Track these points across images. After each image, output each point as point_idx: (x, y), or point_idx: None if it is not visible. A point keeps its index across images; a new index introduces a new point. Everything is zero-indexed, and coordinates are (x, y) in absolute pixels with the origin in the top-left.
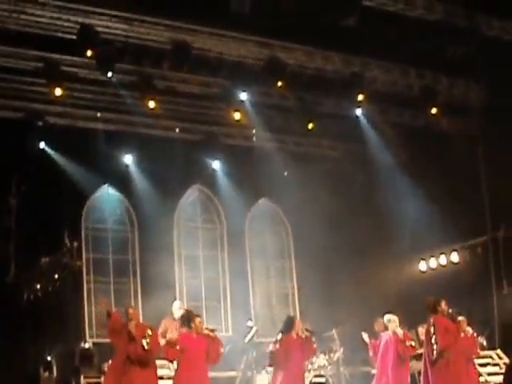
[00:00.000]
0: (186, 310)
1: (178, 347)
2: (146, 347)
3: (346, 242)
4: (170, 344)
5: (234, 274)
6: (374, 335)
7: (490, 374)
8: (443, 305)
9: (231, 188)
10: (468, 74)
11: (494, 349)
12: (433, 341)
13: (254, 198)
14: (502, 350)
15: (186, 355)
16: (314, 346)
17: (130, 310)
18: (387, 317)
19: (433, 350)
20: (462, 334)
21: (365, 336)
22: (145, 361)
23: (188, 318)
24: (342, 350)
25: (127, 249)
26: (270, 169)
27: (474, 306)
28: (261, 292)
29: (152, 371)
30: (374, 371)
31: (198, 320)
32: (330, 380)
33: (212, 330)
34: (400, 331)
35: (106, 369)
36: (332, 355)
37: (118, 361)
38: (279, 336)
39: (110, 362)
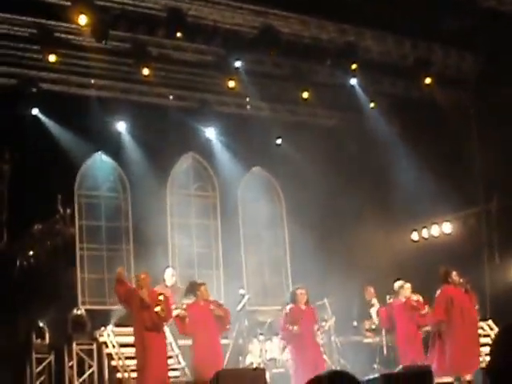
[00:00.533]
0: (189, 282)
1: (187, 320)
2: (161, 314)
3: (339, 212)
4: (181, 319)
5: (226, 243)
6: (365, 304)
7: (482, 345)
8: (454, 275)
9: (224, 156)
10: (463, 45)
11: (485, 320)
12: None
13: (247, 167)
14: (493, 320)
15: (198, 325)
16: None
17: (142, 276)
18: (398, 283)
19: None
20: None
21: (373, 311)
22: (160, 327)
23: (193, 288)
24: (333, 319)
25: (120, 216)
26: (263, 137)
27: (466, 277)
28: (253, 260)
29: (163, 335)
30: (366, 340)
31: (203, 287)
32: (322, 349)
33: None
34: (415, 297)
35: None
36: (324, 324)
37: (137, 327)
38: (287, 308)
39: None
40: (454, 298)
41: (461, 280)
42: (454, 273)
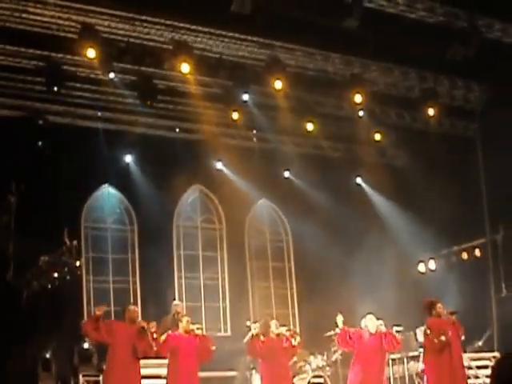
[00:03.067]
0: (174, 313)
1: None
2: (154, 347)
3: (344, 243)
4: (160, 341)
5: (233, 274)
6: None
7: (488, 377)
8: (438, 307)
9: (231, 188)
10: (468, 76)
11: (492, 351)
12: (436, 341)
13: (254, 199)
14: (499, 352)
15: (177, 355)
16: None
17: (134, 308)
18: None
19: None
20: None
21: (339, 320)
22: (147, 356)
23: (174, 319)
24: (340, 351)
25: (127, 248)
26: (270, 169)
27: (473, 309)
28: (260, 292)
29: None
30: None
31: (185, 319)
32: (328, 381)
33: (198, 328)
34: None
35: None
36: (330, 356)
37: (116, 358)
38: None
39: (108, 361)
40: (441, 328)
41: (445, 312)
42: (439, 305)
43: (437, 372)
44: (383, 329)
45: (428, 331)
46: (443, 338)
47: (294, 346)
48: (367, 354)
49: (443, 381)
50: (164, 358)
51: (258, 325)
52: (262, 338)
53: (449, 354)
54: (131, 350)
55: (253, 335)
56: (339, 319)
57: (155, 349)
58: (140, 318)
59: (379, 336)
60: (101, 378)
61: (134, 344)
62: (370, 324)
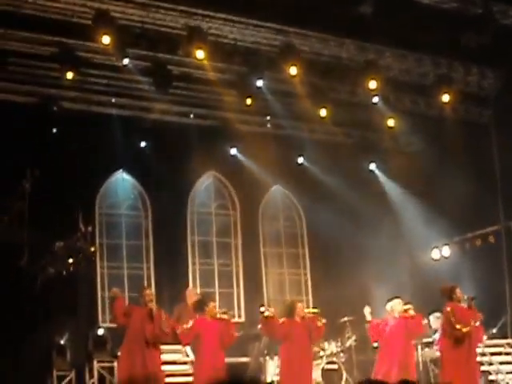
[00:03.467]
0: (201, 295)
1: (191, 331)
2: (165, 330)
3: (358, 229)
4: (185, 328)
5: (247, 260)
6: None
7: (502, 363)
8: (458, 292)
9: (245, 175)
10: (483, 62)
11: (505, 338)
12: (457, 327)
13: (267, 185)
14: None
15: (201, 339)
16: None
17: (148, 291)
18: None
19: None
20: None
21: (367, 311)
22: (159, 342)
23: (202, 303)
24: (354, 337)
25: (141, 234)
26: (284, 156)
27: (487, 296)
28: (274, 278)
29: (159, 352)
30: None
31: (212, 304)
32: (342, 367)
33: (224, 313)
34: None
35: (119, 353)
36: (345, 342)
37: (131, 342)
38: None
39: (123, 345)
40: (462, 313)
41: (465, 297)
42: (458, 289)
43: (454, 360)
44: (412, 312)
45: (452, 318)
46: (465, 329)
47: (319, 327)
48: (391, 339)
49: (460, 370)
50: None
51: (271, 308)
52: (279, 319)
53: (468, 343)
54: (143, 334)
55: (267, 317)
56: (367, 311)
57: (167, 331)
58: (153, 302)
59: (404, 319)
60: (115, 363)
61: (143, 327)
62: (398, 308)
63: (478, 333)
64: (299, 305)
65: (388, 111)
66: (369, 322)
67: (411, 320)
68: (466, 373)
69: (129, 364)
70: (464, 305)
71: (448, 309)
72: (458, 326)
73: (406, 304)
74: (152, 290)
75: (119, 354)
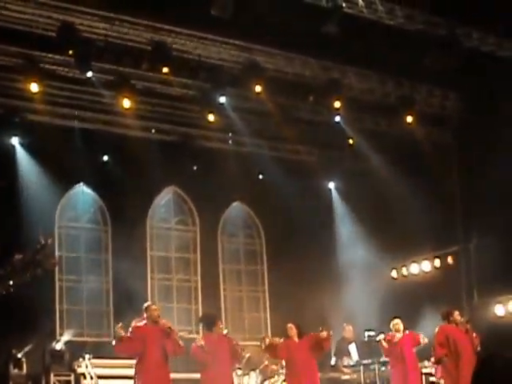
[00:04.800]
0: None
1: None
2: (181, 345)
3: (318, 249)
4: (200, 346)
5: (206, 277)
6: (344, 341)
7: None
8: (456, 315)
9: (205, 190)
10: (446, 84)
11: None
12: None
13: (227, 201)
14: None
15: (214, 356)
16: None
17: (154, 307)
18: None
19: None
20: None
21: (381, 337)
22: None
23: (211, 321)
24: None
25: (100, 248)
26: (244, 172)
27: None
28: (232, 295)
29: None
30: (344, 377)
31: (219, 324)
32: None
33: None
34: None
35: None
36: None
37: (149, 362)
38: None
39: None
40: (451, 336)
41: (461, 319)
42: (457, 312)
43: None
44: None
45: (424, 340)
46: (445, 359)
47: (325, 339)
48: (399, 355)
49: None
50: None
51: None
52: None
53: (462, 363)
54: (161, 351)
55: (268, 345)
56: (381, 337)
57: (182, 345)
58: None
59: (409, 335)
60: (72, 376)
61: (163, 345)
62: (399, 327)
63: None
64: (289, 326)
65: (350, 130)
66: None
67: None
68: None
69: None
70: (461, 327)
71: (436, 329)
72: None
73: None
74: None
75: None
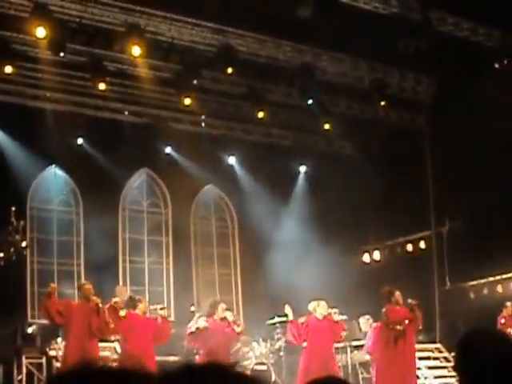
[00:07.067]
0: (130, 297)
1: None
2: (110, 325)
3: (287, 232)
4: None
5: (177, 259)
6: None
7: (430, 368)
8: (397, 295)
9: (178, 173)
10: (419, 68)
11: (434, 343)
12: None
13: (200, 185)
14: (442, 344)
15: (132, 334)
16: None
17: (88, 286)
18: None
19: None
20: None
21: (288, 310)
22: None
23: (132, 304)
24: (283, 338)
25: (72, 230)
26: (217, 156)
27: (416, 300)
28: (204, 277)
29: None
30: None
31: (144, 302)
32: (272, 368)
33: (162, 309)
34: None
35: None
36: (274, 343)
37: (76, 338)
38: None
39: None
40: (400, 315)
41: (409, 301)
42: (398, 292)
43: (387, 364)
44: (336, 317)
45: (385, 317)
46: (399, 327)
47: (238, 333)
48: (315, 340)
49: (393, 373)
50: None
51: (203, 318)
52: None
53: (403, 344)
54: (87, 328)
55: (198, 328)
56: (287, 310)
57: (112, 326)
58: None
59: (328, 322)
60: (44, 359)
61: (89, 321)
62: (321, 310)
63: (411, 335)
64: (221, 305)
65: (322, 114)
66: (291, 322)
67: (334, 325)
68: (401, 373)
69: (73, 360)
70: (402, 307)
71: (383, 310)
72: (390, 326)
73: (332, 308)
74: (90, 283)
75: (63, 350)
